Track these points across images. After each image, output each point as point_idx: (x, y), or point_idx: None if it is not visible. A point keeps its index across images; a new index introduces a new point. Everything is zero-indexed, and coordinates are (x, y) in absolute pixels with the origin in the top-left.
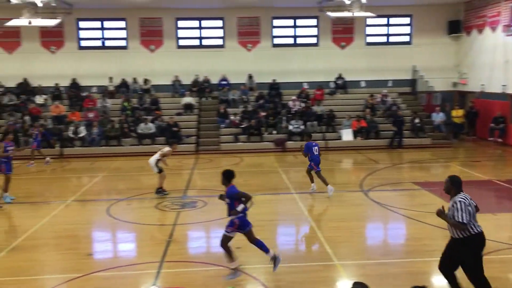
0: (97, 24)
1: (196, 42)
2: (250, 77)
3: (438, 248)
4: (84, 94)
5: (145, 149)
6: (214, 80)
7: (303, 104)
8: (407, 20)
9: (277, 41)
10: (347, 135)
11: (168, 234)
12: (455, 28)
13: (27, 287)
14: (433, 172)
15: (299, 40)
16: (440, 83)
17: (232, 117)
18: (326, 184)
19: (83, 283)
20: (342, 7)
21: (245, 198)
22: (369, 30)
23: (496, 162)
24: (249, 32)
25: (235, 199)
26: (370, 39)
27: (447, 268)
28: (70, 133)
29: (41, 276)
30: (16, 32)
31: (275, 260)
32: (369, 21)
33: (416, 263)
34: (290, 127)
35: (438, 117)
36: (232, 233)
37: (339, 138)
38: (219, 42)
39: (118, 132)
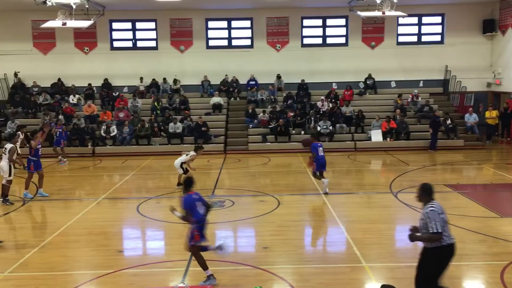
0: (129, 25)
1: (225, 43)
2: (279, 77)
3: (470, 252)
4: (116, 94)
5: (174, 148)
6: (243, 80)
7: (331, 105)
8: (439, 19)
9: (306, 41)
10: (376, 136)
11: None
12: (490, 27)
13: (60, 282)
14: (466, 174)
15: (328, 40)
16: (473, 83)
17: (261, 115)
18: (319, 179)
19: (113, 279)
20: (372, 7)
21: (183, 217)
22: (400, 30)
23: None
24: (278, 32)
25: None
26: (401, 39)
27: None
28: (102, 132)
29: (73, 271)
30: (51, 34)
31: (220, 248)
32: (400, 21)
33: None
34: (318, 128)
35: (471, 118)
36: (197, 243)
37: (368, 139)
38: (248, 42)
39: (148, 131)
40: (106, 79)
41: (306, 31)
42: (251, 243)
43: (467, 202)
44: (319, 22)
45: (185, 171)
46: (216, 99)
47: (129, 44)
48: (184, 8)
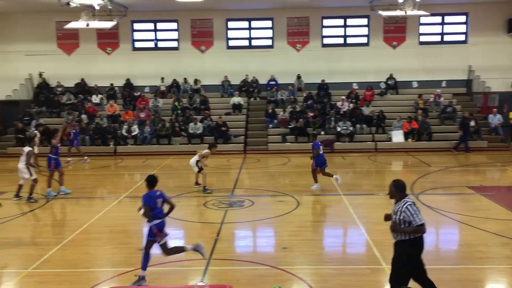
0: (150, 25)
1: (245, 43)
2: (299, 77)
3: (494, 256)
4: (137, 94)
5: (194, 148)
6: (263, 81)
7: (352, 105)
8: (463, 18)
9: (326, 41)
10: (397, 136)
11: (216, 232)
12: None
13: (82, 279)
14: (489, 176)
15: (349, 40)
16: (497, 83)
17: (280, 115)
18: (316, 181)
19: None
20: (394, 6)
21: (144, 214)
22: (422, 29)
23: None
24: (299, 32)
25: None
26: (423, 38)
27: (418, 276)
28: (124, 132)
29: (95, 269)
30: (74, 34)
31: (197, 249)
32: (423, 20)
33: (469, 270)
34: (338, 128)
35: (495, 119)
36: (161, 240)
37: (389, 139)
38: (268, 42)
39: (169, 131)
40: (128, 79)
41: (326, 31)
42: (270, 243)
43: (490, 205)
44: (340, 22)
45: (200, 169)
46: (236, 99)
47: (151, 44)
48: (205, 8)
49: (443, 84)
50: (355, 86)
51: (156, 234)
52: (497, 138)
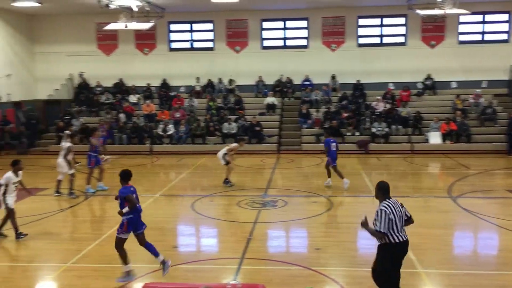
0: (187, 26)
1: (280, 43)
2: (333, 77)
3: None
4: (173, 93)
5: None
6: (297, 81)
7: (388, 106)
8: (505, 16)
9: (362, 40)
10: (435, 138)
11: (249, 231)
12: None
13: (118, 274)
14: None
15: (385, 40)
16: None
17: (315, 114)
18: (342, 177)
19: (169, 274)
20: (432, 4)
21: (129, 203)
22: (462, 28)
23: None
24: (334, 32)
25: (125, 200)
26: (463, 38)
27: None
28: (159, 131)
29: (132, 264)
30: (113, 35)
31: (164, 264)
32: (462, 19)
33: (508, 276)
34: (373, 129)
35: None
36: (124, 235)
37: (426, 141)
38: (303, 42)
39: (204, 130)
40: (164, 79)
41: (362, 31)
42: (303, 243)
43: None
44: (376, 21)
45: (227, 163)
46: (270, 99)
47: (187, 45)
48: (240, 9)
49: (483, 85)
50: (391, 87)
51: (123, 227)
52: None
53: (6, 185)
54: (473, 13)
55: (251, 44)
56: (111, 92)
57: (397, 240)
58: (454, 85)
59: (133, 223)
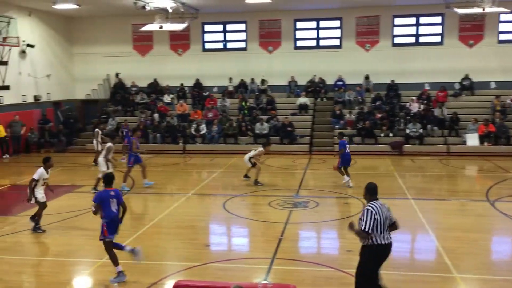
0: (220, 27)
1: (313, 43)
2: (367, 77)
3: None
4: (206, 93)
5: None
6: (330, 81)
7: (423, 106)
8: None
9: (397, 40)
10: (472, 140)
11: (280, 231)
12: None
13: (152, 271)
14: None
15: (421, 39)
16: None
17: (347, 116)
18: (343, 175)
19: (200, 272)
20: (471, 3)
21: (95, 207)
22: (502, 27)
23: None
24: (368, 32)
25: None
26: (503, 37)
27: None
28: (192, 131)
29: (164, 262)
30: (148, 36)
31: (133, 252)
32: (503, 17)
33: None
34: (407, 130)
35: None
36: (108, 238)
37: (463, 143)
38: (336, 42)
39: (236, 130)
40: (197, 79)
41: (397, 30)
42: (335, 245)
43: None
44: (412, 20)
45: (253, 165)
46: (302, 100)
47: (220, 45)
48: (273, 9)
49: None
50: (427, 87)
51: (104, 232)
52: None
53: (37, 180)
54: None
55: (284, 44)
56: (146, 92)
57: (380, 242)
58: (493, 85)
59: (111, 226)
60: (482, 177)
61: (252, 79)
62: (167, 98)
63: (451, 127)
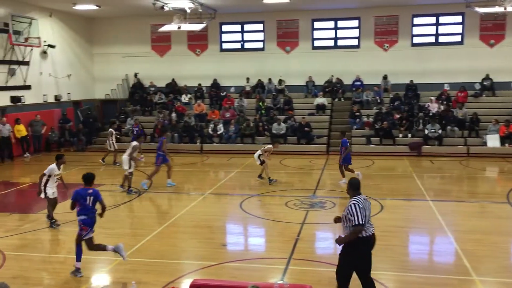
0: (237, 27)
1: (331, 43)
2: (385, 77)
3: None
4: (223, 93)
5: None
6: (348, 81)
7: (443, 107)
8: None
9: (416, 40)
10: (493, 141)
11: (297, 232)
12: None
13: (168, 270)
14: None
15: (441, 39)
16: None
17: (365, 118)
18: (343, 176)
19: (217, 271)
20: (492, 2)
21: (71, 203)
22: None
23: None
24: (387, 32)
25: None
26: None
27: (362, 275)
28: (210, 130)
29: (182, 261)
30: (167, 37)
31: (118, 250)
32: None
33: None
34: (426, 131)
35: None
36: (87, 235)
37: (484, 144)
38: (354, 42)
39: (253, 130)
40: (215, 80)
41: (416, 30)
42: None
43: None
44: (431, 19)
45: (262, 162)
46: (320, 100)
47: (238, 45)
48: (291, 9)
49: None
50: (446, 87)
51: (81, 229)
52: None
53: (49, 176)
54: None
55: (301, 44)
56: (164, 92)
57: (365, 235)
58: None
59: (88, 223)
60: (502, 179)
61: (270, 79)
62: (185, 98)
63: (471, 128)
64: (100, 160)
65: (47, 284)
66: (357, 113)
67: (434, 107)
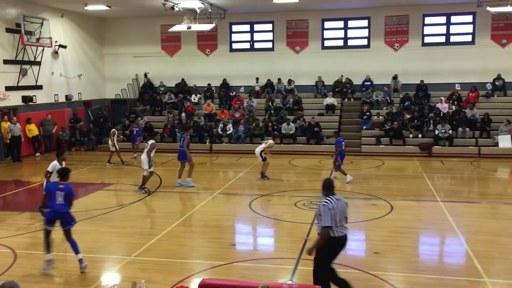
0: (247, 27)
1: (340, 43)
2: (395, 77)
3: None
4: (233, 93)
5: (286, 148)
6: (357, 81)
7: (454, 107)
8: None
9: (427, 39)
10: (504, 141)
11: (306, 232)
12: None
13: (178, 269)
14: None
15: (452, 38)
16: None
17: (375, 117)
18: (345, 174)
19: (226, 271)
20: (504, 1)
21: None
22: None
23: None
24: (397, 31)
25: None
26: None
27: (331, 276)
28: (219, 130)
29: (191, 260)
30: (177, 37)
31: (80, 263)
32: None
33: None
34: (436, 131)
35: None
36: (46, 228)
37: (495, 144)
38: (364, 42)
39: (262, 130)
40: (224, 79)
41: (427, 29)
42: (362, 247)
43: None
44: (442, 19)
45: (264, 159)
46: (329, 100)
47: (247, 45)
48: (301, 9)
49: None
50: (457, 87)
51: (45, 222)
52: None
53: (51, 172)
54: None
55: (311, 44)
56: (174, 92)
57: (334, 235)
58: None
59: (50, 216)
60: None
61: (279, 79)
62: (194, 98)
63: (482, 128)
64: (106, 164)
65: (57, 283)
66: (367, 113)
67: (444, 107)
